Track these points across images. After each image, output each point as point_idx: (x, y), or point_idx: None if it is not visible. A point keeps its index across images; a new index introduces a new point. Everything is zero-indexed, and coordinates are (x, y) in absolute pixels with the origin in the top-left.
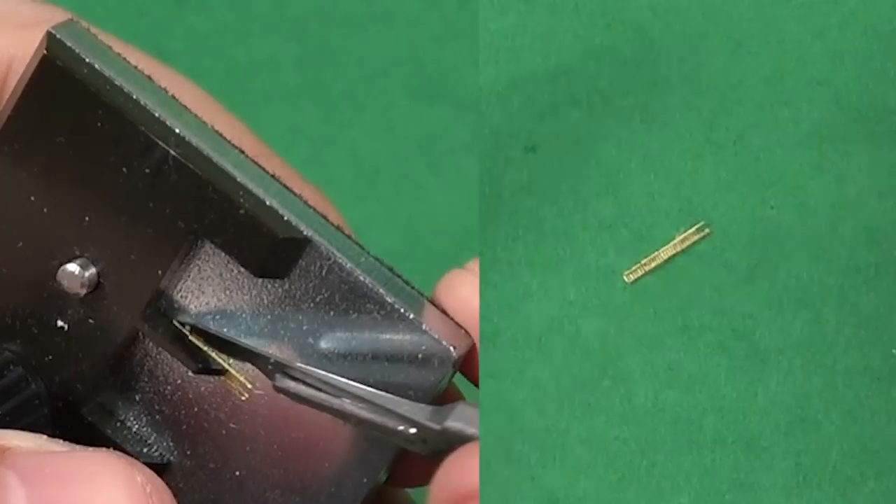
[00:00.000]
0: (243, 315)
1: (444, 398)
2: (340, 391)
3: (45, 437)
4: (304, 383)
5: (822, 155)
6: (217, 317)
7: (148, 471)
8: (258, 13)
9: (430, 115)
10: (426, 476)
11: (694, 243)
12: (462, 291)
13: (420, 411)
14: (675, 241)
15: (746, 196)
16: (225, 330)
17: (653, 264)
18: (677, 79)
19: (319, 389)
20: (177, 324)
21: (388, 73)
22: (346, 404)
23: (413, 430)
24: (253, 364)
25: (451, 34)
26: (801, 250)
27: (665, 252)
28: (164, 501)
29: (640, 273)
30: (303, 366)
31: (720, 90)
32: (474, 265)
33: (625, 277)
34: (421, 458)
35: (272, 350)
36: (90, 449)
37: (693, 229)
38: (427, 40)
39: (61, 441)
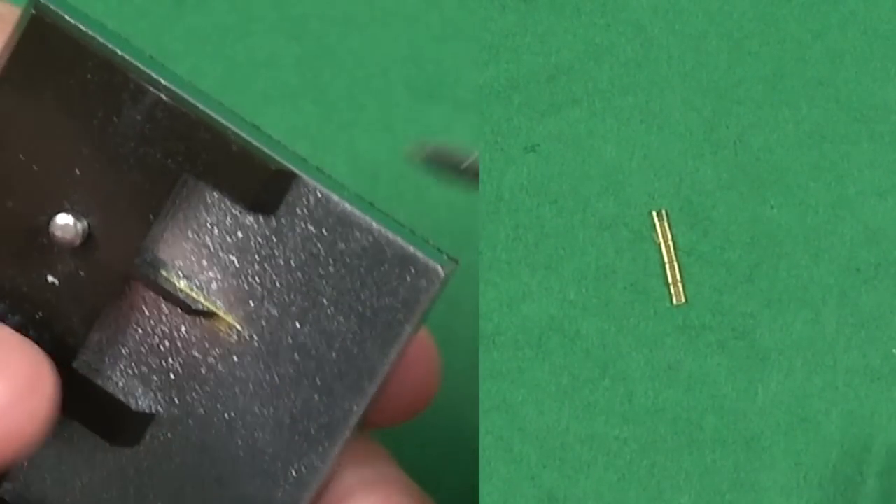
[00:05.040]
0: (233, 255)
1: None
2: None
3: None
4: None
5: (822, 154)
6: (205, 260)
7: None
8: (258, 13)
9: (430, 115)
10: (401, 415)
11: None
12: None
13: None
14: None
15: (746, 195)
16: (214, 273)
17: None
18: (677, 78)
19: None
20: (165, 272)
21: (388, 73)
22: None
23: None
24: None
25: (451, 34)
26: (802, 250)
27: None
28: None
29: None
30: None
31: (720, 90)
32: None
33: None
34: (397, 397)
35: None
36: None
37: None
38: (427, 40)
39: None
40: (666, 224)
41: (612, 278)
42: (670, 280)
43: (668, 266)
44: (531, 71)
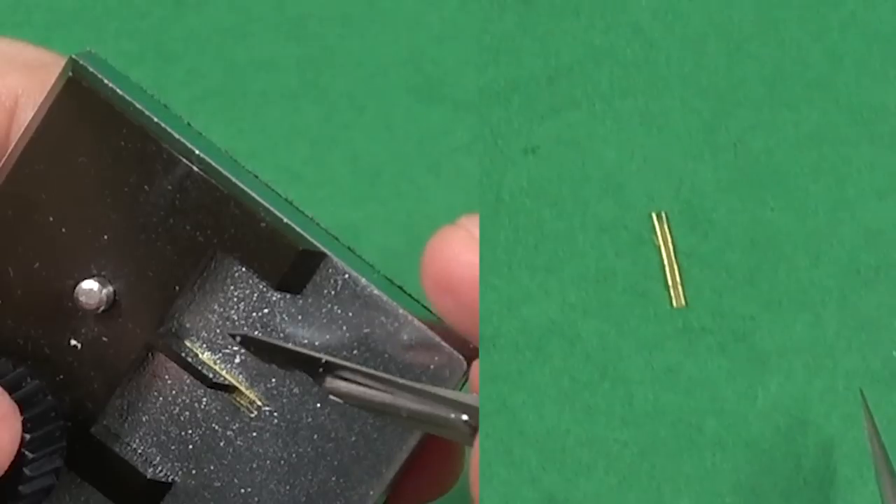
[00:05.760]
0: (257, 331)
1: None
2: (390, 385)
3: None
4: (356, 382)
5: (821, 156)
6: (229, 335)
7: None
8: (258, 13)
9: (430, 115)
10: (425, 495)
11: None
12: (452, 249)
13: (471, 399)
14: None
15: (746, 198)
16: (238, 347)
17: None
18: (677, 80)
19: (369, 387)
20: (189, 342)
21: (388, 73)
22: (399, 398)
23: (465, 418)
24: (296, 369)
25: (451, 34)
26: (801, 252)
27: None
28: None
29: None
30: (352, 364)
31: (720, 92)
32: (468, 221)
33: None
34: (419, 477)
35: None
36: None
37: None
38: (427, 40)
39: None
40: (666, 226)
41: (612, 281)
42: (670, 282)
43: (667, 268)
44: (531, 73)
